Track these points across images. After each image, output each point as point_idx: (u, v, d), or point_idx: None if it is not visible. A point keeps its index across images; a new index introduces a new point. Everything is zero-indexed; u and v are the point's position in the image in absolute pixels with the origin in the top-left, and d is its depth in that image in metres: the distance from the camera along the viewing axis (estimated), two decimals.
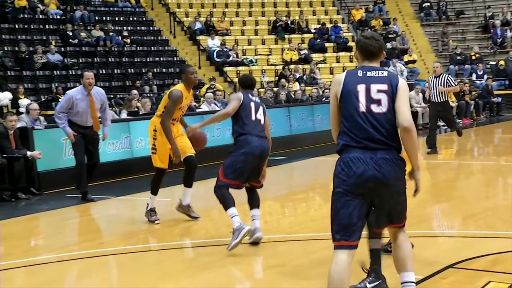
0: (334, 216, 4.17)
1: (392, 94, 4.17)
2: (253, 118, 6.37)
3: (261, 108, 6.51)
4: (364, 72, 4.24)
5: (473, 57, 24.84)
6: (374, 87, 4.18)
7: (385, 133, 4.14)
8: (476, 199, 8.99)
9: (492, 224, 7.33)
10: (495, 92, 23.10)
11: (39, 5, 21.11)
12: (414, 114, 19.15)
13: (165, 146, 7.47)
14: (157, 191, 7.68)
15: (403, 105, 4.17)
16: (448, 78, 13.15)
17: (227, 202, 6.24)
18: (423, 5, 28.03)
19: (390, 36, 26.06)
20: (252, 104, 6.43)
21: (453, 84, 13.22)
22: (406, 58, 24.76)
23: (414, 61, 24.78)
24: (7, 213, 8.87)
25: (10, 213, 8.86)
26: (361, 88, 4.19)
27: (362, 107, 4.16)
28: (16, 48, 18.61)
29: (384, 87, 4.18)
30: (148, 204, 7.70)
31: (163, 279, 5.70)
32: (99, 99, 9.49)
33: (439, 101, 13.00)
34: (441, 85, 12.86)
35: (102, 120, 9.71)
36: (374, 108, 4.16)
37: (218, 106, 14.77)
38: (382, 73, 4.24)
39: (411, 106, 18.91)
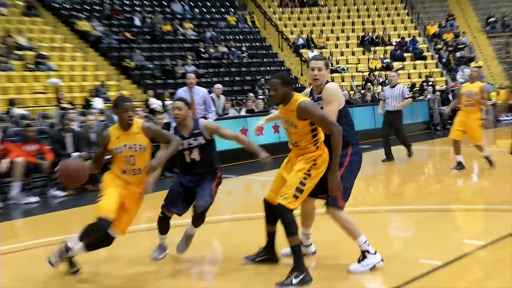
0: (350, 185, 4.52)
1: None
2: None
3: None
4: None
5: None
6: None
7: None
8: None
9: None
10: None
11: (180, 28, 21.90)
12: None
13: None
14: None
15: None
16: (403, 89, 11.16)
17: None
18: (489, 20, 26.55)
19: (459, 46, 24.93)
20: None
21: (407, 95, 11.18)
22: (472, 64, 23.54)
23: (479, 67, 23.53)
24: None
25: None
26: None
27: None
28: (163, 62, 19.42)
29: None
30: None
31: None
32: (201, 96, 8.97)
33: (393, 109, 11.16)
34: (396, 97, 11.06)
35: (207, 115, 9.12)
36: None
37: None
38: None
39: None
